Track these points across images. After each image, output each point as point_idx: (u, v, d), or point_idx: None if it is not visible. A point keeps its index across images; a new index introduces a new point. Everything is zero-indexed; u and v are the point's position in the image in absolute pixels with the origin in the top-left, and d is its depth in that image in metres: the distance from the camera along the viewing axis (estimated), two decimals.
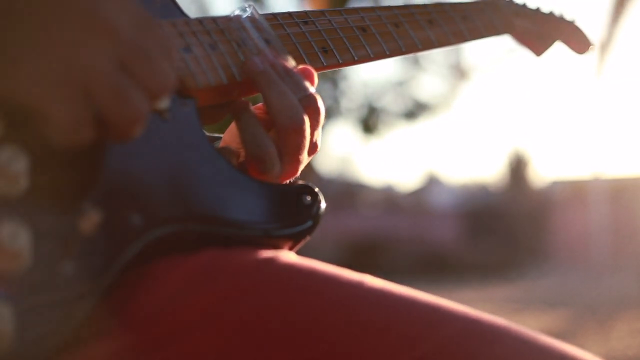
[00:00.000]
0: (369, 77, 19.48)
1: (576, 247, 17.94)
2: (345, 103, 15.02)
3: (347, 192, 18.23)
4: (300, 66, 0.83)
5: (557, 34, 1.16)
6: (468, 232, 17.69)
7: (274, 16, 0.86)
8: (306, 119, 0.78)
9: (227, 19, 0.82)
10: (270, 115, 0.77)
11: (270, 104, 0.77)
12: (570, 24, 1.17)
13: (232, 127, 0.86)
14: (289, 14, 0.88)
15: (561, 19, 1.17)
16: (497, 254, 14.85)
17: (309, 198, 0.76)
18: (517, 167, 20.63)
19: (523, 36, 1.14)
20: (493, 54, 18.85)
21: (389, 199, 20.91)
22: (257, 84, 0.78)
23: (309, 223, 0.76)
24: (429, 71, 15.74)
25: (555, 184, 21.79)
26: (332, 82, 14.91)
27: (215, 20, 0.80)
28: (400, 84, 15.79)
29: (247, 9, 0.84)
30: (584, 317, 6.98)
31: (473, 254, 14.55)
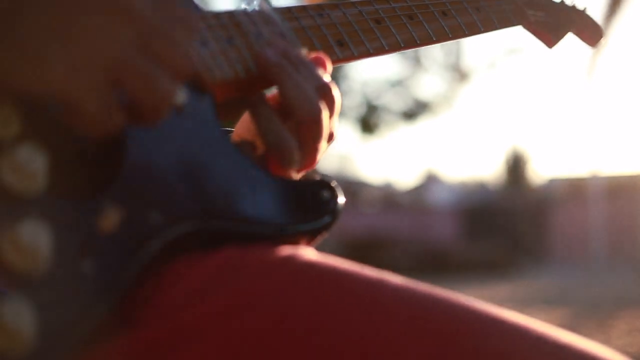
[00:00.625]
0: (368, 76, 19.46)
1: (575, 244, 17.97)
2: (345, 101, 15.04)
3: (347, 190, 18.25)
4: (313, 54, 0.82)
5: (569, 25, 1.14)
6: (467, 230, 17.71)
7: (289, 9, 0.85)
8: (323, 108, 0.77)
9: (242, 12, 0.81)
10: (287, 106, 0.76)
11: (286, 95, 0.76)
12: (582, 13, 1.16)
13: (245, 119, 0.85)
14: (304, 7, 0.87)
15: (573, 9, 1.15)
16: (495, 251, 14.86)
17: (326, 193, 0.76)
18: (516, 165, 20.67)
19: (535, 27, 1.12)
20: (492, 53, 18.81)
21: (388, 197, 20.93)
22: (271, 76, 0.77)
23: (327, 219, 0.75)
24: (428, 70, 15.74)
25: (553, 182, 21.83)
26: (332, 80, 14.90)
27: (231, 13, 0.80)
28: (400, 83, 15.81)
29: (260, 2, 0.84)
30: (583, 316, 6.99)
31: (472, 251, 14.56)
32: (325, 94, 0.78)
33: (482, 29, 1.04)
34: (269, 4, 0.84)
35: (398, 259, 13.13)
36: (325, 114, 0.77)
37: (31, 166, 0.58)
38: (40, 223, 0.57)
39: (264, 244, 0.71)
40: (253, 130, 0.79)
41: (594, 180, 17.26)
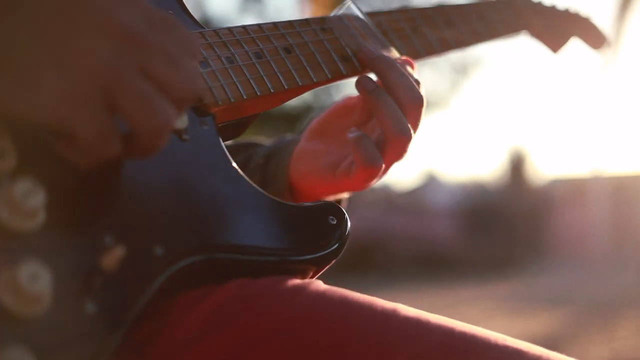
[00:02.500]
0: None
1: (576, 244, 17.95)
2: None
3: None
4: (403, 57, 0.88)
5: (572, 30, 1.15)
6: (467, 231, 17.68)
7: (290, 23, 0.83)
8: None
9: (247, 28, 0.79)
10: (394, 94, 0.81)
11: (394, 83, 0.81)
12: (586, 20, 1.16)
13: (323, 125, 0.89)
14: (307, 20, 0.85)
15: (577, 16, 1.16)
16: (496, 252, 14.84)
17: (333, 219, 0.73)
18: (517, 165, 20.64)
19: (540, 33, 1.12)
20: (492, 52, 18.83)
21: (388, 198, 20.92)
22: (376, 68, 0.83)
23: (335, 246, 0.72)
24: (427, 68, 15.73)
25: (555, 182, 21.81)
26: None
27: (230, 30, 0.77)
28: None
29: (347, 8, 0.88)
30: (586, 316, 6.97)
31: (472, 252, 14.54)
32: (412, 107, 0.82)
33: (487, 37, 1.03)
34: (357, 10, 0.88)
35: (398, 260, 13.10)
36: (412, 133, 0.81)
37: (29, 202, 0.55)
38: (40, 263, 0.54)
39: (272, 275, 0.68)
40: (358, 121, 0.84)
41: (596, 180, 17.25)
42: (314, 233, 0.72)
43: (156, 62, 0.58)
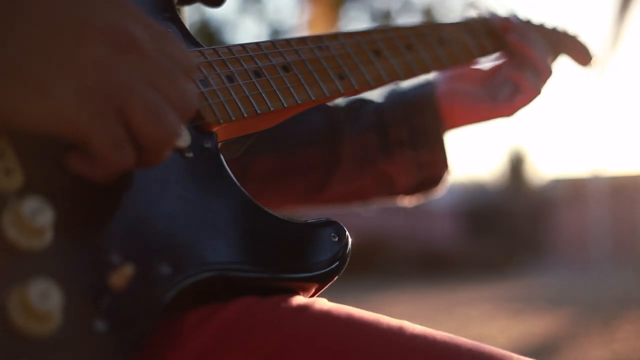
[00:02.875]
0: None
1: (576, 245, 17.94)
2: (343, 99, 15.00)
3: None
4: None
5: (561, 48, 1.18)
6: (467, 231, 17.67)
7: (287, 42, 0.84)
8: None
9: (245, 46, 0.80)
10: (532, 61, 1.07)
11: (534, 54, 1.07)
12: (573, 38, 1.20)
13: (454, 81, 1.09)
14: (303, 39, 0.86)
15: (565, 34, 1.19)
16: (496, 252, 14.83)
17: (335, 236, 0.74)
18: (516, 165, 20.63)
19: None
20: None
21: None
22: (518, 44, 1.08)
23: (337, 263, 0.73)
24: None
25: (554, 182, 21.79)
26: None
27: (229, 48, 0.78)
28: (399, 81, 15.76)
29: None
30: (585, 317, 6.97)
31: (472, 252, 14.53)
32: (548, 54, 1.11)
33: (478, 55, 1.07)
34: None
35: (398, 261, 13.10)
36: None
37: (38, 220, 0.56)
38: (49, 281, 0.55)
39: (275, 293, 0.69)
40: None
41: (596, 180, 17.24)
42: (315, 250, 0.73)
43: (159, 74, 0.59)
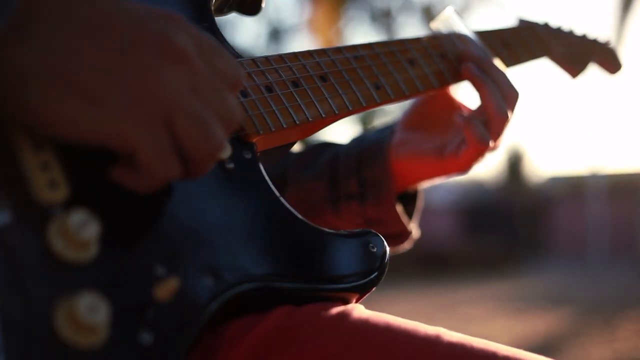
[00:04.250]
0: None
1: (575, 243, 17.96)
2: None
3: None
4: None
5: (590, 56, 1.17)
6: (466, 230, 17.70)
7: (324, 51, 0.84)
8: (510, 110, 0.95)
9: (283, 57, 0.80)
10: (497, 85, 0.94)
11: (496, 77, 0.95)
12: (604, 45, 1.19)
13: (418, 116, 1.00)
14: (339, 48, 0.86)
15: (595, 41, 1.18)
16: (495, 251, 14.85)
17: (374, 247, 0.74)
18: (515, 164, 20.64)
19: (560, 59, 1.15)
20: None
21: None
22: (474, 84, 0.94)
23: (375, 274, 0.74)
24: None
25: (553, 180, 21.82)
26: None
27: (267, 58, 0.78)
28: None
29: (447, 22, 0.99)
30: (586, 315, 6.98)
31: (471, 251, 14.54)
32: (512, 98, 0.94)
33: (509, 63, 1.05)
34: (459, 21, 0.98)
35: (397, 260, 13.08)
36: (510, 114, 0.93)
37: (84, 233, 0.56)
38: (97, 294, 0.55)
39: (315, 302, 0.69)
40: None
41: (594, 178, 17.26)
42: (356, 261, 0.73)
43: (206, 86, 0.59)
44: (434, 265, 12.94)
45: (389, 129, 1.03)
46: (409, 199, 1.04)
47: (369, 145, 1.02)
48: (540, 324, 6.52)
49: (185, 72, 0.58)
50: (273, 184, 0.99)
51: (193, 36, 0.60)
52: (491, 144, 0.92)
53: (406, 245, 1.05)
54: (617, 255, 16.32)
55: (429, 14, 14.08)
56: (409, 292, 8.47)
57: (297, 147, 1.07)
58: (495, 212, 18.39)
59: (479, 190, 20.50)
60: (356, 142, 1.04)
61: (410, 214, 1.04)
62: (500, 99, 0.92)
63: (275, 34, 13.74)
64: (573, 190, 19.50)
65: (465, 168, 0.96)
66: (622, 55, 1.21)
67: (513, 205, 18.61)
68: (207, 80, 0.59)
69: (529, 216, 18.62)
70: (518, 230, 17.77)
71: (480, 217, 18.08)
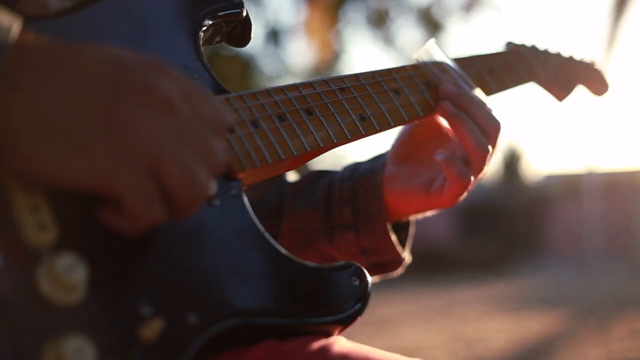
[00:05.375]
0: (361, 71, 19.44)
1: (571, 241, 17.99)
2: None
3: None
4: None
5: (577, 78, 1.17)
6: (463, 228, 17.72)
7: (311, 84, 0.86)
8: (490, 145, 0.95)
9: (270, 91, 0.81)
10: (475, 121, 0.93)
11: (473, 112, 0.94)
12: (590, 66, 1.19)
13: (407, 150, 1.01)
14: (326, 80, 0.87)
15: (581, 62, 1.18)
16: (491, 249, 14.88)
17: (357, 280, 0.76)
18: (511, 162, 20.67)
19: (546, 83, 1.15)
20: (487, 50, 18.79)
21: None
22: (451, 123, 0.94)
23: (358, 305, 0.75)
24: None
25: (549, 179, 21.85)
26: None
27: (255, 94, 0.80)
28: None
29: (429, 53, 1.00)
30: (581, 317, 6.99)
31: (468, 250, 14.57)
32: (492, 131, 0.94)
33: (495, 89, 1.06)
34: (439, 51, 0.99)
35: None
36: (490, 149, 0.93)
37: (72, 277, 0.57)
38: (84, 337, 0.57)
39: (297, 337, 0.71)
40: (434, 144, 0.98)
41: (590, 176, 17.30)
42: (339, 295, 0.75)
43: (191, 132, 0.61)
44: (430, 266, 12.95)
45: (381, 160, 1.04)
46: (401, 226, 1.06)
47: (362, 176, 1.03)
48: (536, 324, 6.54)
49: (171, 119, 0.60)
50: (269, 213, 1.04)
51: (178, 83, 0.62)
52: (473, 178, 0.93)
53: (399, 271, 1.06)
54: (613, 254, 16.36)
55: (425, 17, 14.09)
56: (405, 294, 8.49)
57: (292, 176, 1.09)
58: (491, 211, 18.41)
59: (475, 188, 20.54)
60: (349, 171, 1.05)
61: (402, 241, 1.05)
62: (479, 135, 0.92)
63: (272, 36, 13.74)
64: (569, 188, 19.54)
65: (450, 204, 0.97)
66: (609, 76, 1.21)
67: (509, 204, 18.64)
68: (192, 126, 0.61)
69: (525, 215, 18.65)
70: (514, 229, 17.79)
71: (476, 216, 18.11)
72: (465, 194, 0.95)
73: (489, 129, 0.93)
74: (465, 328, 6.33)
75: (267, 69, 14.08)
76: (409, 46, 15.00)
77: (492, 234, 16.29)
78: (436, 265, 13.14)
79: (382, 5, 14.35)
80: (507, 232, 17.37)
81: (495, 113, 0.95)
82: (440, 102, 0.95)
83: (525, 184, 20.64)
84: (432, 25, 14.37)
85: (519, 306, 7.81)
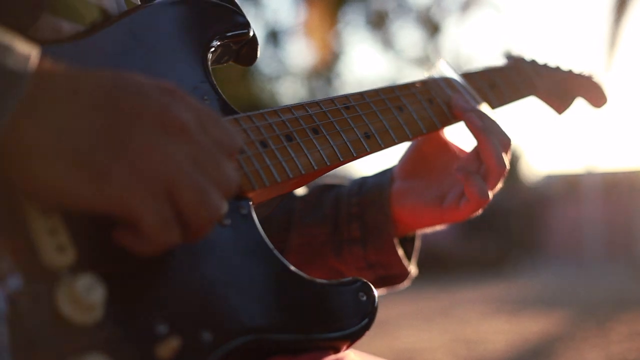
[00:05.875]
0: (362, 74, 19.48)
1: (570, 241, 17.99)
2: None
3: None
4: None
5: (576, 91, 1.19)
6: (461, 229, 17.70)
7: (317, 103, 0.87)
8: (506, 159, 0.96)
9: (278, 111, 0.83)
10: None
11: (488, 129, 0.96)
12: (588, 79, 1.21)
13: (415, 165, 1.03)
14: (332, 99, 0.89)
15: (580, 75, 1.20)
16: (490, 250, 14.87)
17: (364, 296, 0.78)
18: (510, 162, 20.62)
19: (545, 97, 1.17)
20: (485, 50, 18.82)
21: None
22: (477, 137, 0.95)
23: (365, 321, 0.77)
24: (422, 69, 15.74)
25: (548, 179, 21.84)
26: (325, 79, 14.89)
27: (263, 115, 0.82)
28: (394, 82, 15.77)
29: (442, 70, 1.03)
30: (581, 318, 7.00)
31: (467, 250, 14.56)
32: (506, 146, 0.96)
33: (496, 104, 1.08)
34: (449, 68, 1.01)
35: None
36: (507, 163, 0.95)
37: (91, 297, 0.59)
38: (103, 356, 0.59)
39: (307, 352, 0.73)
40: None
41: (590, 176, 17.30)
42: (346, 311, 0.77)
43: (205, 156, 0.63)
44: (429, 268, 12.94)
45: (388, 174, 1.06)
46: (407, 240, 1.08)
47: (370, 191, 1.05)
48: (535, 326, 6.54)
49: (185, 144, 0.62)
50: (278, 227, 1.06)
51: (191, 108, 0.64)
52: (490, 195, 0.95)
53: (405, 284, 1.08)
54: (612, 254, 16.36)
55: (424, 18, 14.12)
56: (404, 295, 8.48)
57: (301, 190, 1.11)
58: (490, 212, 18.40)
59: None
60: (357, 186, 1.07)
61: (408, 254, 1.07)
62: (500, 150, 0.94)
63: (272, 36, 13.77)
64: (569, 188, 19.54)
65: (464, 218, 1.00)
66: (608, 88, 1.22)
67: (509, 204, 18.62)
68: (206, 150, 0.63)
69: (524, 215, 18.63)
70: (514, 230, 17.78)
71: (475, 217, 18.08)
72: (480, 211, 0.97)
73: (504, 143, 0.95)
74: (464, 329, 6.34)
75: (266, 70, 14.12)
76: (408, 47, 15.03)
77: (491, 235, 16.27)
78: (435, 267, 13.13)
79: (382, 7, 14.36)
80: (507, 232, 17.36)
81: (505, 128, 0.97)
82: (465, 115, 0.96)
83: (525, 184, 20.64)
84: (431, 26, 14.40)
85: (518, 307, 7.81)
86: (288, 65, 14.75)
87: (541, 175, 22.21)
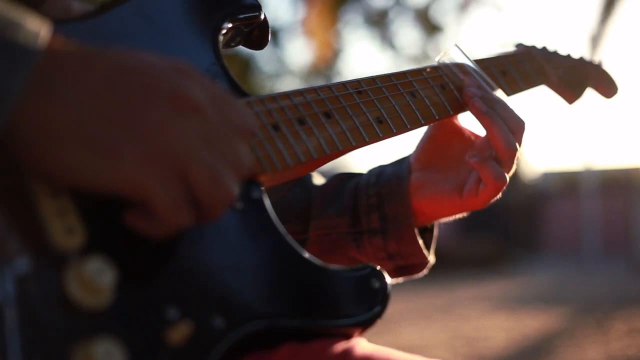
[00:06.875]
0: (361, 72, 19.50)
1: (568, 239, 18.01)
2: None
3: None
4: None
5: (587, 80, 1.17)
6: (460, 226, 17.73)
7: (329, 88, 0.86)
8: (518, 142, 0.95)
9: (290, 95, 0.82)
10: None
11: (500, 113, 0.94)
12: (599, 67, 1.19)
13: (431, 155, 1.01)
14: (344, 84, 0.88)
15: (590, 64, 1.18)
16: (489, 247, 14.88)
17: (377, 283, 0.77)
18: None
19: (557, 86, 1.15)
20: (484, 49, 18.83)
21: None
22: (482, 121, 0.94)
23: (378, 308, 0.76)
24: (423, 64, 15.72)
25: (547, 176, 21.88)
26: (325, 78, 14.89)
27: (275, 97, 0.80)
28: None
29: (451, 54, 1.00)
30: (580, 315, 7.01)
31: (466, 248, 14.57)
32: (518, 129, 0.95)
33: (509, 92, 1.06)
34: (461, 53, 0.99)
35: None
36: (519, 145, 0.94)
37: (101, 280, 0.58)
38: (113, 340, 0.57)
39: (319, 338, 0.71)
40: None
41: (588, 174, 17.32)
42: (359, 298, 0.76)
43: (218, 137, 0.61)
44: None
45: (406, 164, 1.04)
46: (426, 229, 1.07)
47: (388, 182, 1.03)
48: (535, 322, 6.55)
49: (199, 124, 0.60)
50: (296, 218, 1.05)
51: (205, 87, 0.62)
52: (507, 177, 0.93)
53: (423, 273, 1.08)
54: (611, 251, 16.39)
55: (423, 17, 14.11)
56: (405, 292, 8.49)
57: (319, 179, 1.10)
58: (489, 209, 18.41)
59: None
60: (375, 176, 1.06)
61: (427, 243, 1.06)
62: (509, 134, 0.93)
63: (272, 35, 13.77)
64: (567, 185, 19.57)
65: (484, 205, 0.97)
66: (618, 78, 1.21)
67: (507, 201, 18.65)
68: (219, 130, 0.61)
69: (523, 212, 18.66)
70: (512, 227, 17.80)
71: (474, 214, 18.03)
72: (499, 195, 0.95)
73: (516, 127, 0.94)
74: (465, 326, 6.34)
75: (266, 68, 14.10)
76: (407, 45, 15.02)
77: (490, 232, 16.29)
78: (435, 265, 13.11)
79: (381, 5, 14.36)
80: (505, 230, 17.38)
81: (518, 112, 0.96)
82: (471, 100, 0.95)
83: (523, 181, 20.66)
84: (430, 25, 14.40)
85: (517, 305, 7.82)
86: (287, 64, 14.75)
87: (539, 173, 22.26)
